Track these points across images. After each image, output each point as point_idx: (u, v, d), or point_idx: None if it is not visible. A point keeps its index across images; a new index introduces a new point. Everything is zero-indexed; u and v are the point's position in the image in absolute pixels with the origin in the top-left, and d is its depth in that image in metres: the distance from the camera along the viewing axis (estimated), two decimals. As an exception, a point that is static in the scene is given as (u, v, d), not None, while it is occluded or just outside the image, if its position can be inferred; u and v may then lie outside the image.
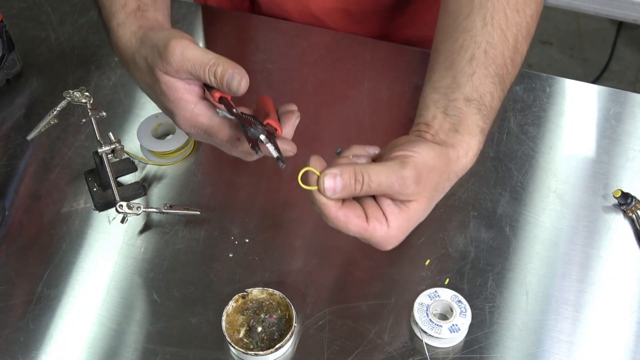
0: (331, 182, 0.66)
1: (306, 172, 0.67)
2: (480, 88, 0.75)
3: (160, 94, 0.74)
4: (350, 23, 1.12)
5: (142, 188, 0.92)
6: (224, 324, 0.78)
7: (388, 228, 0.68)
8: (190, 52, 0.71)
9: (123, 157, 0.90)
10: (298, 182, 0.67)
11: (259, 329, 0.79)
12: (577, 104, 1.00)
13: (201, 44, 1.02)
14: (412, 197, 0.68)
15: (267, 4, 1.14)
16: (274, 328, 0.79)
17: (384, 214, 0.68)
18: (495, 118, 0.77)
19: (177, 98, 0.73)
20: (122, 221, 0.85)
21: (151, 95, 0.78)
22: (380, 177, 0.67)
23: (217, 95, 0.73)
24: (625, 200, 0.88)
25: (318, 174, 0.67)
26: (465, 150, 0.73)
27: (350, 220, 0.67)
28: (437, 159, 0.70)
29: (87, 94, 0.89)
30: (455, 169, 0.73)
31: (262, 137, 0.70)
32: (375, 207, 0.69)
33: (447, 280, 0.83)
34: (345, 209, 0.67)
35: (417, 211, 0.69)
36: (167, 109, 0.76)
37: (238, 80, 0.70)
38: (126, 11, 0.78)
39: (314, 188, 0.66)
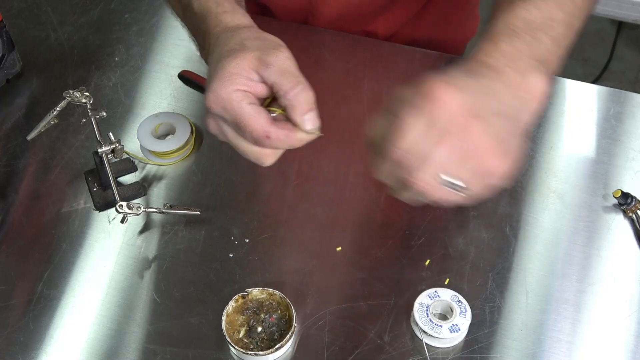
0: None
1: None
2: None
3: (227, 60, 0.70)
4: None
5: (142, 188, 0.92)
6: (224, 324, 0.78)
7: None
8: (293, 63, 0.71)
9: (123, 157, 0.90)
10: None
11: (259, 329, 0.79)
12: (577, 104, 1.00)
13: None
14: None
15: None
16: (274, 328, 0.79)
17: None
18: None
19: (235, 74, 0.69)
20: (122, 221, 0.85)
21: (209, 55, 0.74)
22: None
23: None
24: (625, 200, 0.87)
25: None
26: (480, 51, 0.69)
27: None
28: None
29: (87, 94, 0.89)
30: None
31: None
32: None
33: (447, 280, 0.83)
34: None
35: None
36: (214, 75, 0.70)
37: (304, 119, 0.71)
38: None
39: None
